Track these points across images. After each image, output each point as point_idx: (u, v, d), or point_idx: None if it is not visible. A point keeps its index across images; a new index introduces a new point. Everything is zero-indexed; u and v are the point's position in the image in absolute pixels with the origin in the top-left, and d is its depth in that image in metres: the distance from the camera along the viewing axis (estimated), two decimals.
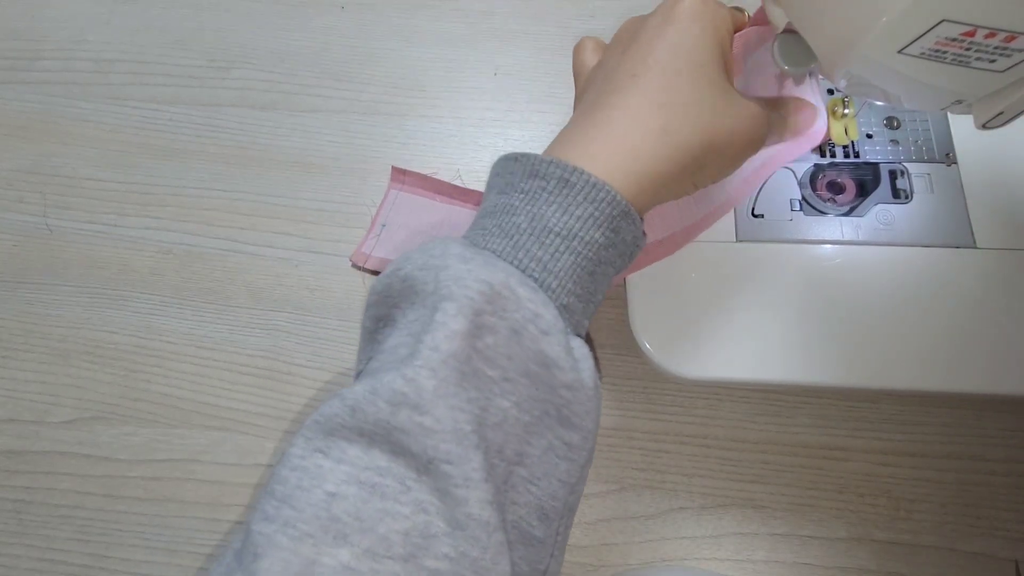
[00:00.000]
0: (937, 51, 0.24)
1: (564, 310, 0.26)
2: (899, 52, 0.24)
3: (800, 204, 0.40)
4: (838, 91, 0.41)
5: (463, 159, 0.48)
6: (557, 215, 0.26)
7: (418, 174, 0.46)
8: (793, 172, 0.40)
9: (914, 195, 0.39)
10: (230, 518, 0.40)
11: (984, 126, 0.27)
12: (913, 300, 0.37)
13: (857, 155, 0.40)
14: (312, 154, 0.49)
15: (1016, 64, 0.24)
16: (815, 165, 0.40)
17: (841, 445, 0.39)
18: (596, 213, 0.26)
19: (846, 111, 0.40)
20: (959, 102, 0.27)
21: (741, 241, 0.39)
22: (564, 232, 0.26)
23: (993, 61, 0.24)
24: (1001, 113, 0.26)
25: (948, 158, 0.40)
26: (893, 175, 0.40)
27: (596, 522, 0.38)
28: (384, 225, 0.45)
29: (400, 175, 0.46)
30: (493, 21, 0.53)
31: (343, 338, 0.43)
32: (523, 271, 0.25)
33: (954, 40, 0.23)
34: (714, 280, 0.38)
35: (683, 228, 0.38)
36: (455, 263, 0.24)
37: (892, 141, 0.41)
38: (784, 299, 0.37)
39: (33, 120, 0.52)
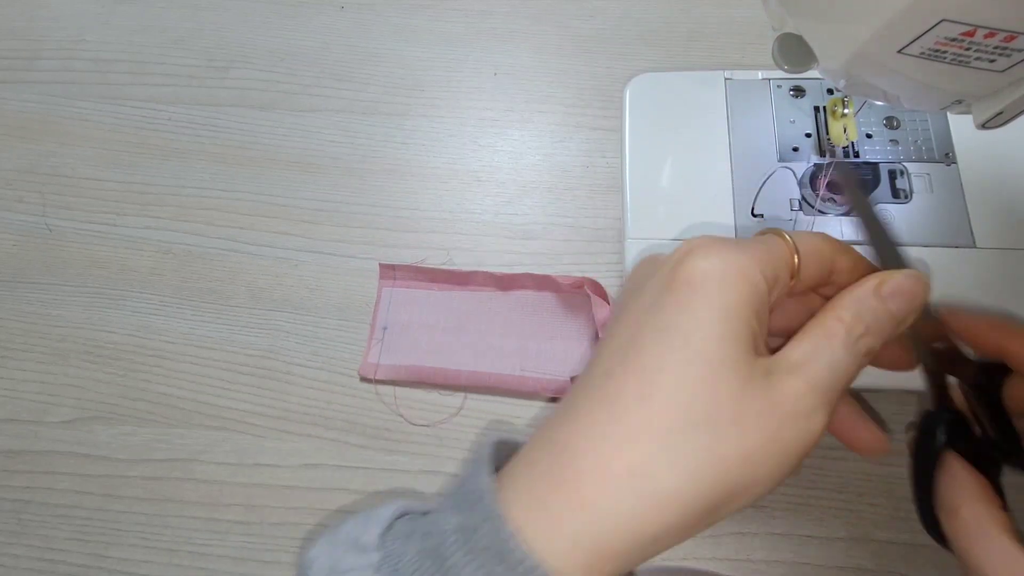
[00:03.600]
0: (937, 51, 0.24)
1: None
2: (899, 52, 0.24)
3: (800, 204, 0.40)
4: (838, 91, 0.41)
5: (462, 160, 0.48)
6: None
7: (407, 266, 0.44)
8: (793, 172, 0.40)
9: (913, 195, 0.39)
10: (229, 518, 0.40)
11: (983, 126, 0.27)
12: None
13: (857, 155, 0.41)
14: (312, 154, 0.49)
15: (1016, 64, 0.24)
16: (815, 165, 0.40)
17: (841, 445, 0.39)
18: None
19: (846, 111, 0.40)
20: (959, 102, 0.27)
21: None
22: None
23: (993, 61, 0.24)
24: (1000, 113, 0.26)
25: (947, 158, 0.40)
26: (893, 175, 0.40)
27: None
28: (385, 328, 0.43)
29: (389, 271, 0.44)
30: (493, 21, 0.53)
31: (342, 338, 0.43)
32: None
33: (954, 40, 0.23)
34: None
35: None
36: None
37: (892, 141, 0.41)
38: None
39: (32, 120, 0.52)
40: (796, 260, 0.23)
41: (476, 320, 0.42)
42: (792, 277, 0.23)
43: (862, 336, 0.22)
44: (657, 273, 0.23)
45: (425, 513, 0.23)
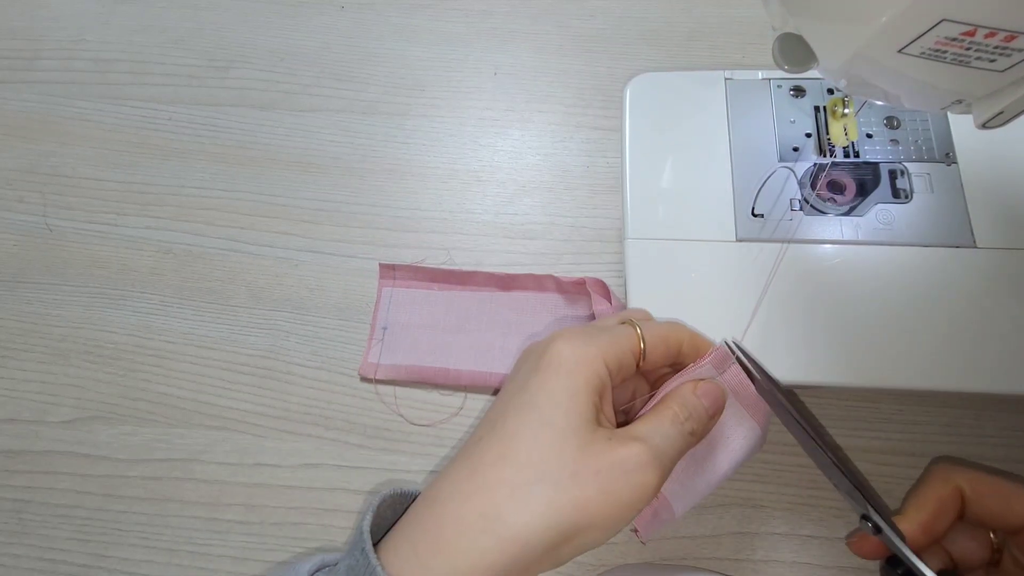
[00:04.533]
0: (937, 51, 0.24)
1: None
2: (899, 52, 0.24)
3: (800, 204, 0.40)
4: (838, 91, 0.41)
5: (462, 160, 0.48)
6: None
7: (407, 266, 0.44)
8: (793, 172, 0.40)
9: (914, 195, 0.39)
10: (229, 517, 0.40)
11: (984, 126, 0.27)
12: (913, 300, 0.37)
13: (857, 155, 0.41)
14: (312, 154, 0.49)
15: (1016, 64, 0.24)
16: (815, 165, 0.40)
17: (841, 445, 0.39)
18: None
19: (846, 111, 0.40)
20: (959, 102, 0.27)
21: (741, 241, 0.39)
22: None
23: (993, 61, 0.24)
24: (1001, 113, 0.26)
25: (948, 158, 0.40)
26: (893, 175, 0.40)
27: None
28: (385, 328, 0.43)
29: (389, 271, 0.44)
30: (493, 21, 0.53)
31: (342, 337, 0.43)
32: None
33: (954, 40, 0.23)
34: (714, 279, 0.38)
35: None
36: None
37: (892, 141, 0.41)
38: (784, 299, 0.37)
39: (33, 120, 0.52)
40: (642, 348, 0.29)
41: (476, 320, 0.42)
42: (638, 362, 0.30)
43: (687, 420, 0.29)
44: (530, 358, 0.29)
45: (336, 565, 0.27)
